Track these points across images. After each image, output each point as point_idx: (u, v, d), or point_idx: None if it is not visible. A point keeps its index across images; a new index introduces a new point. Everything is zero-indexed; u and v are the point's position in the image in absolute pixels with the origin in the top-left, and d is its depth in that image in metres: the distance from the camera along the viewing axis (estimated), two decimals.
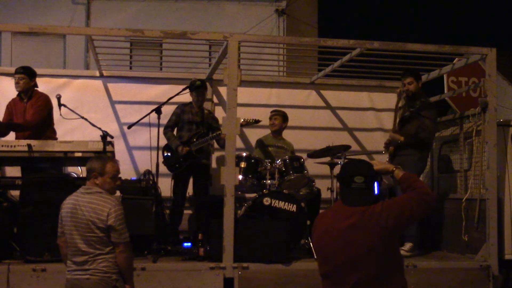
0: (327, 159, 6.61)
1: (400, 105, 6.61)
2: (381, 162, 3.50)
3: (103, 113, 7.47)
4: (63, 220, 4.01)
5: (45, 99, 6.30)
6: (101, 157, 4.33)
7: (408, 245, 6.04)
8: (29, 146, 5.56)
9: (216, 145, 7.08)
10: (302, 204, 6.18)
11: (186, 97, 6.66)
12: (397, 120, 6.43)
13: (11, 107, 6.37)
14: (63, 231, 4.01)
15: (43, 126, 6.22)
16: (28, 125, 6.13)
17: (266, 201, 5.94)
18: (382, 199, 3.13)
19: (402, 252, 5.91)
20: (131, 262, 4.03)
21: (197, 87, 6.65)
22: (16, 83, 6.24)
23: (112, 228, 3.86)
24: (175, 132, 6.75)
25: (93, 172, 4.02)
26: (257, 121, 6.38)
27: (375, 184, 3.16)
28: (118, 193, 6.04)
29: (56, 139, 6.25)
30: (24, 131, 6.18)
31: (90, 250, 3.87)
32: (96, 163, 4.06)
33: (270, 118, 7.06)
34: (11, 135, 6.37)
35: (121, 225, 3.89)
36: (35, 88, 6.34)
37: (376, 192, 3.15)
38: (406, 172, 3.34)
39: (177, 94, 6.37)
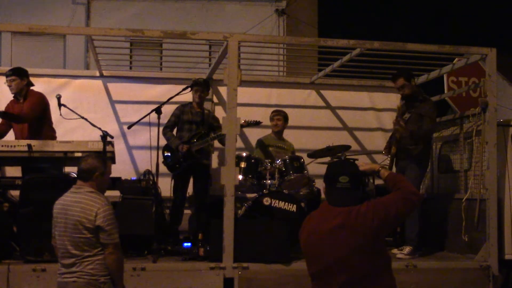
0: (327, 159, 6.60)
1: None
2: (366, 162, 3.51)
3: (103, 113, 7.47)
4: (54, 221, 3.92)
5: (39, 96, 6.32)
6: (98, 156, 4.19)
7: (407, 249, 6.03)
8: (29, 146, 5.56)
9: (216, 145, 7.07)
10: (302, 204, 6.18)
11: (187, 97, 6.66)
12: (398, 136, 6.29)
13: (8, 108, 6.38)
14: (55, 232, 3.93)
15: (40, 124, 6.22)
16: (24, 117, 6.12)
17: (266, 201, 5.94)
18: (368, 199, 3.13)
19: (400, 255, 5.93)
20: (121, 264, 3.89)
21: (200, 83, 6.66)
22: (9, 86, 6.27)
23: (101, 229, 3.73)
24: (174, 133, 6.75)
25: (95, 172, 3.90)
26: (258, 123, 6.37)
27: (361, 184, 3.16)
28: (118, 193, 6.10)
29: (55, 138, 6.25)
30: (20, 122, 6.18)
31: (78, 252, 3.75)
32: (97, 162, 3.95)
33: (272, 119, 7.04)
34: (11, 136, 6.37)
35: (110, 225, 3.76)
36: (31, 88, 6.34)
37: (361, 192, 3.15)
38: (392, 172, 3.36)
39: (177, 94, 6.37)
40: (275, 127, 7.01)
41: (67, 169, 5.96)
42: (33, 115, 6.15)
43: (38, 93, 6.35)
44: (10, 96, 6.52)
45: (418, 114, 6.16)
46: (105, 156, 4.27)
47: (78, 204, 3.80)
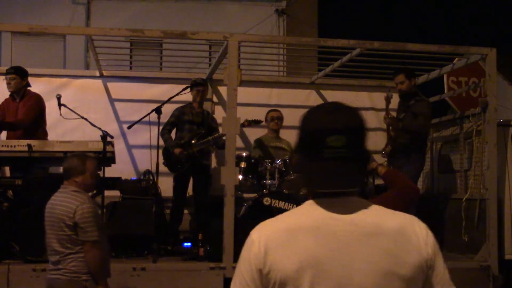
0: None
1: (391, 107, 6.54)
2: None
3: (103, 113, 7.46)
4: (45, 221, 4.02)
5: (37, 98, 6.27)
6: (79, 155, 4.24)
7: None
8: (29, 146, 5.55)
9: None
10: None
11: (187, 96, 6.66)
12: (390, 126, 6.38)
13: (3, 107, 6.35)
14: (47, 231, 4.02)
15: (34, 127, 6.17)
16: (20, 124, 6.10)
17: (266, 201, 5.94)
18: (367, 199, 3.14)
19: None
20: (99, 261, 3.92)
21: (199, 84, 6.66)
22: (8, 84, 6.22)
23: (77, 225, 3.82)
24: (174, 133, 6.75)
25: (73, 171, 3.99)
26: (259, 121, 6.37)
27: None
28: (118, 193, 6.10)
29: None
30: (15, 129, 6.15)
31: (61, 250, 3.85)
32: (75, 161, 4.02)
33: (268, 118, 7.05)
34: (2, 135, 6.35)
35: (86, 223, 3.83)
36: (28, 88, 6.31)
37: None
38: (389, 169, 3.37)
39: (178, 94, 6.37)
40: (272, 125, 6.99)
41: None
42: (29, 121, 6.10)
43: (35, 95, 6.29)
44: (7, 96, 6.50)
45: (413, 113, 6.18)
46: (85, 155, 4.24)
47: (61, 203, 3.91)
